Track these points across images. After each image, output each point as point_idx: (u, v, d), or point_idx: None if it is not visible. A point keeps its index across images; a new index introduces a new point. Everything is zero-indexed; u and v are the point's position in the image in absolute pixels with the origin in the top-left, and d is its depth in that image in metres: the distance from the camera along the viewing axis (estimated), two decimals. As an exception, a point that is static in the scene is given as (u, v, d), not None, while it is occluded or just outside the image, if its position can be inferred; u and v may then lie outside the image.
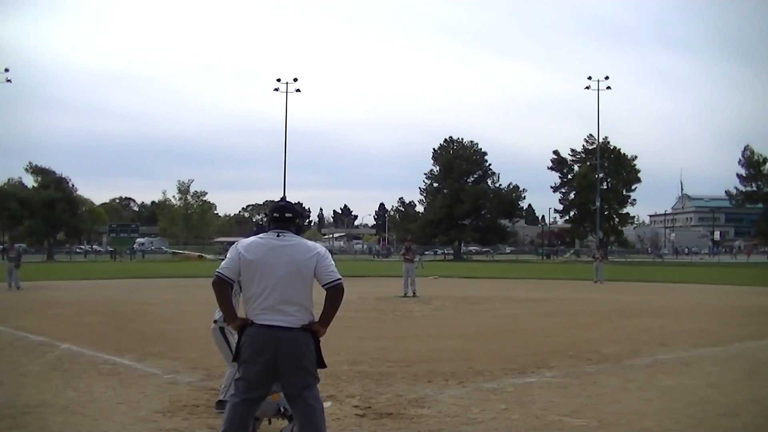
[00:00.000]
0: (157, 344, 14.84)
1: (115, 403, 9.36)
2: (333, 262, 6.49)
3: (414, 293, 28.26)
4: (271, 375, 6.15)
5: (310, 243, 6.57)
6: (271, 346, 6.05)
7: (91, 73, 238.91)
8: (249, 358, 6.11)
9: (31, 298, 27.36)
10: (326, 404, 9.05)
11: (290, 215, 6.51)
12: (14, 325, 18.18)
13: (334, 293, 6.36)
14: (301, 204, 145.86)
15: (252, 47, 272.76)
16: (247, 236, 6.67)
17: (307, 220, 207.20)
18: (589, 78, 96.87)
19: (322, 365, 6.36)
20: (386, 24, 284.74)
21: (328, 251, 6.58)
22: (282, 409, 7.09)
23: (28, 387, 10.45)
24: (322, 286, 6.31)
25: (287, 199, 6.90)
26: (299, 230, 6.61)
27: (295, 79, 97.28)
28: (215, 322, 8.68)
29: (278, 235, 6.34)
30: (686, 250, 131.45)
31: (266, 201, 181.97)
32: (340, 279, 6.44)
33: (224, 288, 6.21)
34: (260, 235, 6.43)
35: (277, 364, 6.07)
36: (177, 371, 11.75)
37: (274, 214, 6.49)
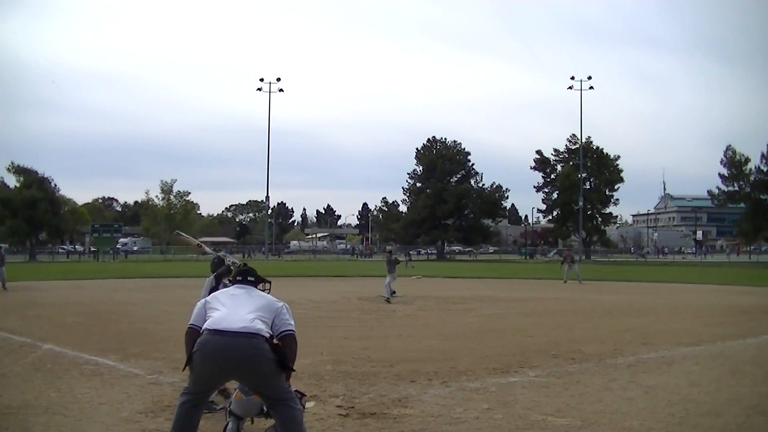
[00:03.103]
0: (139, 344, 14.80)
1: (98, 404, 9.33)
2: (289, 315, 6.75)
3: (387, 298, 27.04)
4: (219, 382, 6.60)
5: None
6: (226, 352, 6.19)
7: (73, 72, 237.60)
8: (200, 361, 6.28)
9: (13, 299, 27.22)
10: (310, 404, 9.10)
11: (253, 279, 6.99)
12: (-4, 325, 18.09)
13: (290, 341, 6.60)
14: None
15: (235, 47, 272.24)
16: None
17: (291, 220, 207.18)
18: (572, 78, 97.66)
19: (291, 369, 6.58)
20: (369, 24, 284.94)
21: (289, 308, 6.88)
22: (264, 409, 7.08)
23: (9, 388, 10.40)
24: (278, 334, 6.53)
25: (248, 265, 7.31)
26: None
27: (278, 79, 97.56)
28: None
29: (241, 287, 6.89)
30: (665, 249, 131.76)
31: (249, 201, 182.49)
32: (293, 330, 6.67)
33: (193, 335, 6.47)
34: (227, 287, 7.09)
35: (233, 372, 6.40)
36: (160, 371, 11.72)
37: (238, 278, 7.02)
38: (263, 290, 7.01)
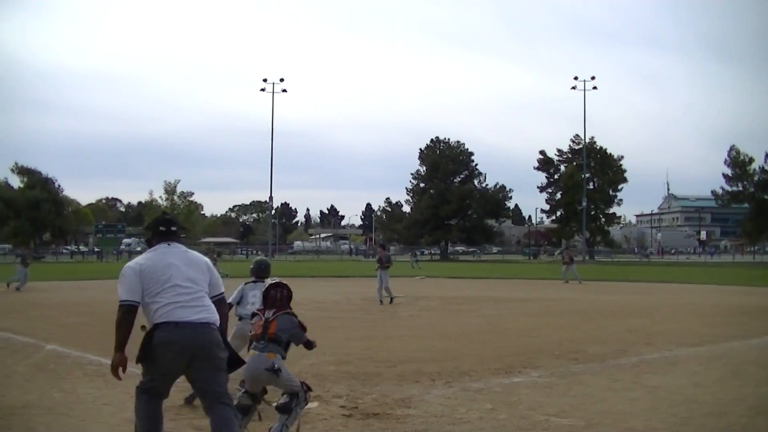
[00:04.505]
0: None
1: (101, 404, 9.34)
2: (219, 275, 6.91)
3: (381, 301, 26.21)
4: (177, 375, 6.44)
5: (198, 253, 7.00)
6: (189, 344, 6.22)
7: (76, 73, 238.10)
8: (161, 356, 6.21)
9: (17, 299, 27.27)
10: (313, 405, 9.12)
11: (175, 228, 6.85)
12: (-1, 326, 18.12)
13: (220, 307, 6.69)
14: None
15: (238, 47, 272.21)
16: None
17: (294, 220, 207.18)
18: (576, 78, 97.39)
19: (240, 362, 6.83)
20: (373, 24, 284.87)
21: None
22: (275, 366, 7.30)
23: (13, 388, 10.43)
24: (211, 297, 6.59)
25: (168, 213, 7.35)
26: (180, 242, 6.85)
27: (282, 80, 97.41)
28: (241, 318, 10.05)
29: (168, 245, 6.66)
30: (673, 250, 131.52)
31: (253, 201, 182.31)
32: (223, 293, 6.85)
33: (131, 315, 6.29)
34: (150, 249, 6.72)
35: (192, 365, 6.29)
36: (163, 372, 11.71)
37: (161, 228, 6.78)
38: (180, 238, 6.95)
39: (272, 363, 7.34)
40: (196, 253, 6.86)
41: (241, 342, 9.38)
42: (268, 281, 8.29)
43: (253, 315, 7.96)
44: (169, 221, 6.88)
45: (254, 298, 10.08)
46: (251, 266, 11.02)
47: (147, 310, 6.36)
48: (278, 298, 7.83)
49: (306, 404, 7.74)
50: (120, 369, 6.30)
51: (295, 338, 7.69)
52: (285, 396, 7.54)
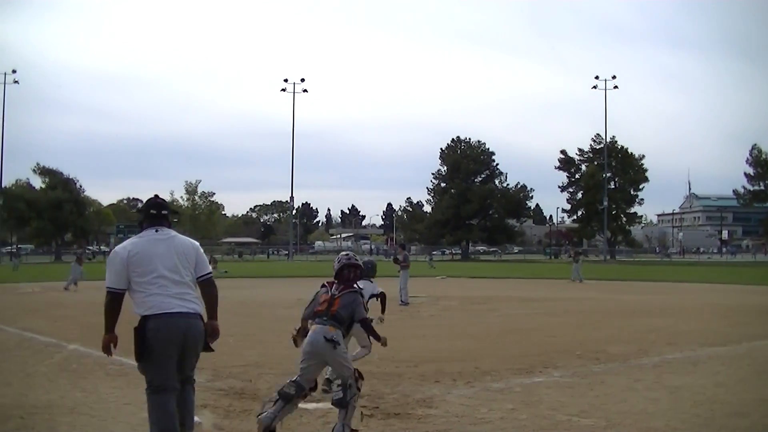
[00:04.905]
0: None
1: (123, 404, 9.36)
2: (206, 257, 7.11)
3: (403, 302, 25.83)
4: (178, 362, 6.59)
5: (186, 237, 7.13)
6: (181, 332, 6.49)
7: (98, 74, 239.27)
8: (160, 349, 6.42)
9: (39, 299, 27.47)
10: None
11: (166, 212, 6.97)
12: (22, 326, 18.23)
13: (209, 286, 6.94)
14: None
15: (259, 48, 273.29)
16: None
17: (315, 220, 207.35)
18: (597, 78, 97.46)
19: (210, 349, 6.99)
20: (392, 24, 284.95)
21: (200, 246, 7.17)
22: (334, 337, 7.65)
23: (35, 388, 10.47)
24: (198, 277, 6.84)
25: (160, 196, 7.24)
26: (170, 225, 6.98)
27: (303, 80, 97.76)
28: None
29: (156, 231, 6.78)
30: (696, 249, 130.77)
31: (274, 201, 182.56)
32: (211, 273, 7.04)
33: (118, 301, 6.65)
34: (138, 235, 6.86)
35: (183, 348, 6.56)
36: (184, 372, 11.75)
37: (151, 211, 6.92)
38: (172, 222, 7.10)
39: (332, 334, 7.65)
40: (183, 238, 6.96)
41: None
42: (343, 258, 8.49)
43: (322, 286, 8.26)
44: (160, 205, 7.00)
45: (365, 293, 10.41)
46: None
47: (134, 297, 6.59)
48: (350, 277, 8.24)
49: (359, 394, 7.94)
50: (111, 346, 6.78)
51: (356, 314, 8.00)
52: (338, 389, 7.77)
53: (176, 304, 6.49)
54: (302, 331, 8.06)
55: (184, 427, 6.67)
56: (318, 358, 7.78)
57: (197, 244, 7.07)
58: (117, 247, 6.84)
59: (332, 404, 7.86)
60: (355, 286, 8.18)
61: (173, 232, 6.88)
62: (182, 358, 6.58)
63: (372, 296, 11.78)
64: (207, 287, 6.91)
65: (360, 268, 8.47)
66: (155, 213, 6.89)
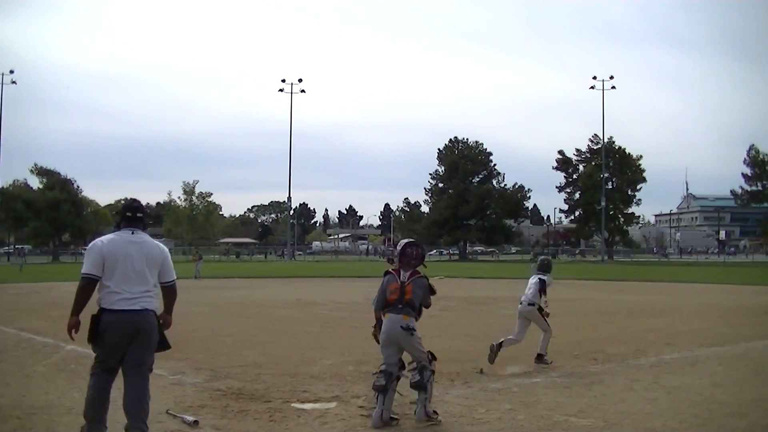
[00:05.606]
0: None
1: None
2: (172, 264, 7.66)
3: None
4: (124, 350, 7.19)
5: (158, 242, 7.67)
6: (131, 328, 7.08)
7: (95, 75, 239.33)
8: (109, 338, 7.10)
9: (37, 300, 27.43)
10: (331, 405, 9.13)
11: (141, 215, 7.54)
12: (19, 326, 18.20)
13: (170, 291, 7.61)
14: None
15: (257, 48, 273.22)
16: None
17: (313, 221, 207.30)
18: (594, 78, 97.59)
19: (168, 346, 7.65)
20: (391, 24, 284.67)
21: (169, 253, 7.77)
22: (410, 325, 8.51)
23: (33, 388, 10.48)
24: (161, 282, 7.44)
25: (138, 199, 7.89)
26: (145, 227, 7.53)
27: (300, 80, 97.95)
28: (531, 304, 13.19)
29: (132, 233, 7.35)
30: (690, 249, 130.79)
31: (271, 202, 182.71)
32: (174, 279, 7.63)
33: (91, 287, 7.18)
34: (115, 233, 7.42)
35: (131, 342, 7.14)
36: (182, 372, 11.76)
37: (128, 213, 7.47)
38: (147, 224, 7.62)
39: (407, 323, 8.42)
40: (154, 244, 7.49)
41: (525, 321, 13.25)
42: (403, 240, 9.25)
43: (386, 273, 9.03)
44: (136, 208, 7.55)
45: (530, 287, 13.39)
46: (536, 263, 14.42)
47: (99, 289, 7.19)
48: (414, 255, 8.92)
49: (433, 374, 8.66)
50: (73, 330, 7.25)
51: (425, 301, 8.75)
52: (416, 372, 8.43)
53: (134, 302, 7.09)
54: (379, 324, 8.80)
55: (128, 414, 7.25)
56: (396, 345, 8.48)
57: (167, 251, 7.65)
58: (96, 240, 7.42)
59: (411, 387, 8.56)
60: (419, 270, 8.81)
61: (146, 237, 7.42)
62: (133, 347, 7.17)
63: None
64: (168, 293, 7.59)
65: (420, 247, 9.03)
66: (131, 216, 7.43)
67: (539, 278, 13.40)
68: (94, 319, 7.10)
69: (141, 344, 7.18)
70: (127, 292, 7.08)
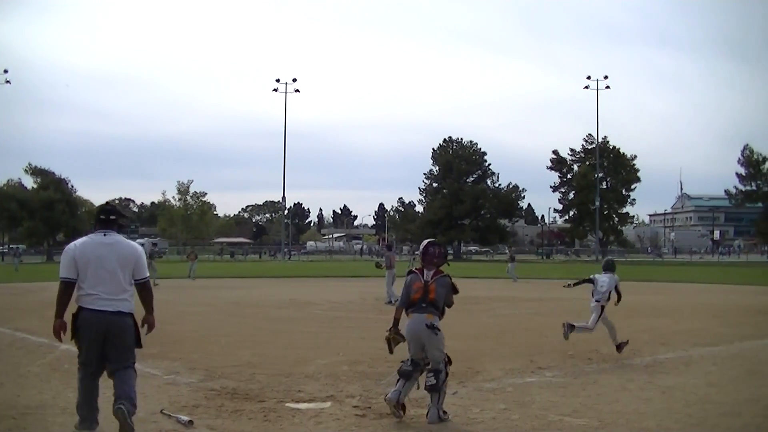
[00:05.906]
0: (156, 345, 14.72)
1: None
2: (146, 263, 7.99)
3: (390, 301, 25.65)
4: (99, 350, 7.54)
5: (132, 242, 8.03)
6: (103, 327, 7.43)
7: (90, 75, 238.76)
8: (85, 334, 7.53)
9: (31, 299, 27.37)
10: (326, 404, 9.13)
11: (114, 217, 7.82)
12: (14, 326, 18.17)
13: (144, 289, 7.83)
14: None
15: (251, 48, 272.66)
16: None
17: (307, 220, 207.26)
18: (588, 78, 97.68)
19: (140, 345, 7.85)
20: (385, 24, 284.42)
21: (143, 251, 8.12)
22: (434, 324, 8.67)
23: (27, 388, 10.47)
24: (135, 280, 7.69)
25: (111, 203, 8.44)
26: (120, 229, 7.87)
27: (294, 80, 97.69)
28: (597, 300, 14.70)
29: (105, 234, 7.64)
30: (686, 249, 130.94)
31: (266, 201, 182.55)
32: (147, 277, 7.93)
33: (69, 289, 7.58)
34: (88, 236, 7.76)
35: (106, 342, 7.48)
36: (177, 372, 11.77)
37: (101, 216, 7.81)
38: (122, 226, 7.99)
39: (431, 321, 8.57)
40: (127, 244, 7.79)
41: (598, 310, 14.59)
42: (425, 241, 9.59)
43: (409, 273, 9.20)
44: (109, 211, 7.87)
45: (603, 284, 14.69)
46: (603, 264, 15.87)
47: (77, 289, 7.58)
48: (436, 254, 9.23)
49: (448, 377, 8.75)
50: (62, 332, 7.66)
51: (448, 300, 9.01)
52: (431, 375, 8.48)
53: (106, 303, 7.43)
54: (397, 323, 9.00)
55: (120, 398, 7.40)
56: (419, 342, 8.59)
57: (141, 249, 7.94)
58: (69, 245, 7.78)
59: (425, 389, 8.57)
60: (442, 270, 9.08)
61: (119, 237, 7.71)
62: (107, 348, 7.50)
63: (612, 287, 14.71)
64: (142, 290, 7.80)
65: (442, 246, 9.49)
66: (104, 218, 7.74)
67: (612, 276, 14.94)
68: (74, 317, 7.56)
69: (117, 346, 7.52)
70: (102, 293, 7.43)
